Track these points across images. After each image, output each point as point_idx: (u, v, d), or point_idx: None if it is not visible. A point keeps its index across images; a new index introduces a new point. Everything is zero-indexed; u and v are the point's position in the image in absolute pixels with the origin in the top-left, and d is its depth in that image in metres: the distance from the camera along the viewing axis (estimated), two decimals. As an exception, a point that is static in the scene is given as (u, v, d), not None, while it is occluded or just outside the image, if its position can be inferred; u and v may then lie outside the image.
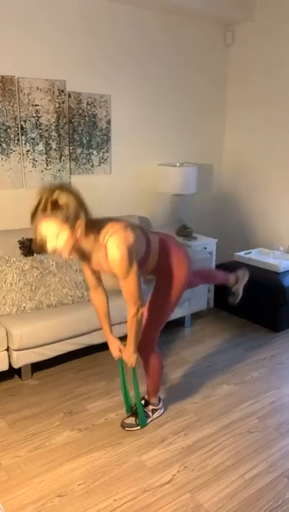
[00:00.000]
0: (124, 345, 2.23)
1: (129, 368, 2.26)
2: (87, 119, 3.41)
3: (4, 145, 3.08)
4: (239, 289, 2.91)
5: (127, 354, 2.21)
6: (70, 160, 3.40)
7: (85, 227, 1.83)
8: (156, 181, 3.84)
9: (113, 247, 1.86)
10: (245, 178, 4.24)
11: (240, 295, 2.93)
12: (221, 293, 3.95)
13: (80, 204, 1.81)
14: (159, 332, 2.29)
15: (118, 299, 2.44)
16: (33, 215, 1.77)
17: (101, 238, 1.89)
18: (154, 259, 2.15)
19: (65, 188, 1.79)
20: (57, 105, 3.24)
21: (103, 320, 2.27)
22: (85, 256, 2.05)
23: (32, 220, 1.78)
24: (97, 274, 2.17)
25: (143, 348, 2.27)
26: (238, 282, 2.90)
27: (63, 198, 1.75)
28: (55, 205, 1.74)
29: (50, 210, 1.73)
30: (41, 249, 1.85)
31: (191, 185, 3.75)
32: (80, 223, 1.80)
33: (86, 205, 1.85)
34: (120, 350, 2.27)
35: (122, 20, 3.43)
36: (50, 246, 1.81)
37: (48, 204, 1.73)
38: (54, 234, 1.78)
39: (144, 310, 2.20)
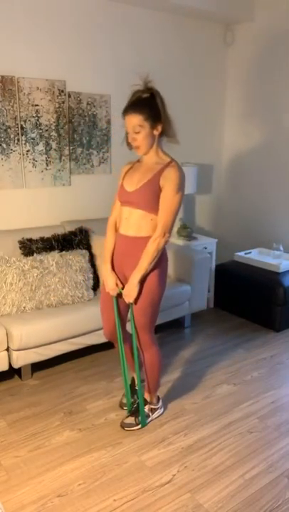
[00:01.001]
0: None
1: (128, 300, 2.15)
2: (87, 119, 3.41)
3: (4, 145, 3.08)
4: (147, 415, 2.41)
5: (130, 286, 2.11)
6: (70, 160, 3.40)
7: (161, 133, 2.08)
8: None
9: (175, 170, 2.06)
10: (245, 178, 4.24)
11: (137, 423, 2.36)
12: (221, 293, 3.96)
13: (164, 112, 2.07)
14: (153, 325, 2.25)
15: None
16: (124, 109, 2.06)
17: (168, 159, 2.12)
18: None
19: (157, 93, 2.07)
20: (57, 105, 3.24)
21: (109, 252, 2.26)
22: (131, 171, 2.22)
23: (122, 113, 2.07)
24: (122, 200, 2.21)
25: (142, 345, 2.26)
26: (152, 410, 2.44)
27: (152, 99, 2.05)
28: (145, 102, 2.04)
29: (140, 105, 2.03)
30: (128, 142, 2.15)
31: (191, 185, 3.75)
32: (159, 126, 2.06)
33: (170, 117, 2.10)
34: (117, 285, 2.21)
35: (122, 20, 3.43)
36: (131, 136, 2.07)
37: (139, 100, 2.05)
38: (137, 126, 2.03)
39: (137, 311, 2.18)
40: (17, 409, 2.55)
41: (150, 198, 2.08)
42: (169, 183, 2.05)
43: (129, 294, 2.13)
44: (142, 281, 2.14)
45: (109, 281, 2.23)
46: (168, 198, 2.06)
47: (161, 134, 2.11)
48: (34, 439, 2.30)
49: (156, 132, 2.08)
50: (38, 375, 2.88)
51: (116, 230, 2.27)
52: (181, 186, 2.07)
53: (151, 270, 2.13)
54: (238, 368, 3.00)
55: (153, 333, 2.29)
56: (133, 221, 2.14)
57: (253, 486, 2.01)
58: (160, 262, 2.16)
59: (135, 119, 2.03)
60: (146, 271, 2.09)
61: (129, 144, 2.16)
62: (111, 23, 3.38)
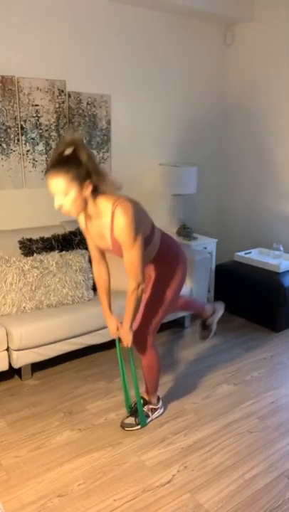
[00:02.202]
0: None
1: (126, 347, 2.21)
2: (87, 119, 3.41)
3: (4, 145, 3.08)
4: (213, 322, 2.74)
5: (123, 332, 2.17)
6: (70, 160, 3.39)
7: (94, 190, 1.84)
8: (156, 181, 3.84)
9: (121, 214, 1.86)
10: (245, 178, 4.24)
11: (214, 331, 2.73)
12: (221, 293, 3.95)
13: (92, 164, 1.81)
14: (155, 330, 2.28)
15: (118, 299, 2.44)
16: (47, 170, 1.81)
17: (110, 205, 1.89)
18: (154, 247, 2.14)
19: (80, 145, 1.80)
20: (57, 105, 3.24)
21: (103, 296, 2.25)
22: (88, 230, 2.07)
23: (45, 174, 1.82)
24: (100, 249, 2.17)
25: (141, 346, 2.27)
26: (214, 314, 2.73)
27: (75, 155, 1.77)
28: (66, 161, 1.76)
29: (60, 165, 1.76)
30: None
31: (191, 185, 3.75)
32: (89, 184, 1.81)
33: (99, 167, 1.86)
34: (118, 329, 2.23)
35: (123, 20, 3.43)
36: (57, 203, 1.83)
37: (59, 160, 1.77)
38: (62, 191, 1.79)
39: (140, 311, 2.22)
40: (17, 409, 2.55)
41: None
42: (121, 236, 1.90)
43: (125, 339, 2.19)
44: (165, 275, 2.18)
45: (110, 326, 2.27)
46: (128, 251, 1.94)
47: (95, 188, 1.86)
48: (34, 439, 2.30)
49: (86, 191, 1.83)
50: (38, 375, 2.88)
51: (98, 261, 2.20)
52: (134, 230, 1.88)
53: (171, 281, 2.18)
54: (238, 368, 3.00)
55: (154, 336, 2.30)
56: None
57: (253, 486, 2.01)
58: (181, 268, 2.19)
59: (59, 182, 1.78)
60: (135, 317, 2.13)
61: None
62: (111, 23, 3.38)
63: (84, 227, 2.12)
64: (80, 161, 1.77)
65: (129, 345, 2.20)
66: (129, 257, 1.95)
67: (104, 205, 1.90)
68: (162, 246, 2.17)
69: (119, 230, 1.89)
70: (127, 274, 2.01)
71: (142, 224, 1.94)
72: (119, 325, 2.23)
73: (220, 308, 2.78)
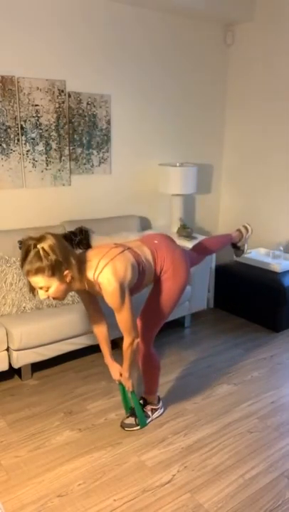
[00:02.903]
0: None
1: (128, 390, 2.33)
2: (87, 119, 3.41)
3: (4, 145, 3.08)
4: (244, 243, 2.90)
5: (124, 380, 2.28)
6: (70, 160, 3.40)
7: (73, 273, 1.87)
8: (156, 181, 3.84)
9: (104, 282, 1.91)
10: (245, 178, 4.24)
11: (246, 249, 2.95)
12: (221, 293, 3.95)
13: (65, 253, 1.84)
14: (155, 333, 2.29)
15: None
16: (22, 265, 1.83)
17: (91, 276, 1.93)
18: (150, 275, 2.14)
19: (47, 238, 1.82)
20: (57, 105, 3.24)
21: (103, 346, 2.32)
22: (82, 291, 2.14)
23: (21, 268, 1.84)
24: (94, 304, 2.23)
25: (141, 348, 2.28)
26: (243, 237, 2.87)
27: (46, 250, 1.79)
28: (40, 258, 1.78)
29: (35, 263, 1.78)
30: (36, 293, 1.95)
31: (191, 185, 3.75)
32: (68, 272, 1.86)
33: (72, 251, 1.90)
34: (121, 375, 2.30)
35: (123, 20, 3.43)
36: (42, 296, 1.89)
37: (32, 257, 1.79)
38: (44, 286, 1.85)
39: (141, 315, 2.24)
40: (17, 409, 2.55)
41: None
42: (110, 301, 1.95)
43: (126, 385, 2.30)
44: (166, 285, 2.17)
45: (112, 372, 2.34)
46: (118, 315, 2.00)
47: (77, 271, 1.90)
48: (34, 439, 2.30)
49: (67, 279, 1.86)
50: (38, 375, 2.88)
51: (94, 315, 2.26)
52: (119, 295, 1.91)
53: (171, 291, 2.18)
54: (238, 368, 3.00)
55: (153, 342, 2.32)
56: None
57: (253, 486, 2.01)
58: (184, 271, 2.18)
59: (40, 281, 1.82)
60: (132, 367, 2.22)
61: (34, 292, 1.95)
62: (111, 23, 3.38)
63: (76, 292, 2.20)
64: (51, 255, 1.79)
65: (131, 389, 2.30)
66: (121, 318, 2.01)
67: (88, 278, 1.95)
68: (157, 266, 2.15)
69: (106, 297, 1.95)
70: (121, 331, 2.08)
71: (126, 281, 1.96)
72: (121, 370, 2.29)
73: (246, 228, 2.89)
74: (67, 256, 1.85)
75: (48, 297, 1.90)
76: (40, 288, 1.86)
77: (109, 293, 1.91)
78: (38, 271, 1.80)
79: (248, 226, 2.87)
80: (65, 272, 1.85)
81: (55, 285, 1.85)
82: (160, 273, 2.16)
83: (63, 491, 1.98)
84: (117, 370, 2.32)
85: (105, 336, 2.29)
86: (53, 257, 1.79)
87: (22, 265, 1.83)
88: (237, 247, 2.91)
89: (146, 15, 3.54)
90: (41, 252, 1.79)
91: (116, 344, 3.21)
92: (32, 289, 1.94)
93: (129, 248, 2.07)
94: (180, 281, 2.18)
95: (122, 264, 1.95)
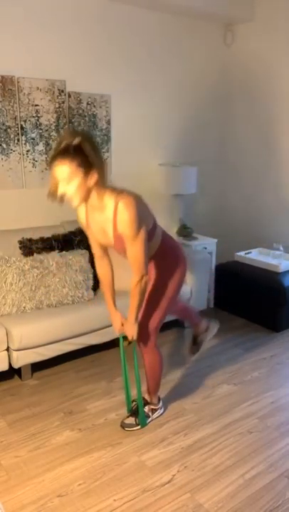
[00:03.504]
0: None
1: (129, 344, 2.23)
2: (87, 119, 3.41)
3: (4, 145, 3.08)
4: (204, 340, 2.72)
5: (128, 325, 2.17)
6: (70, 160, 3.39)
7: (98, 181, 1.85)
8: (157, 181, 3.84)
9: (125, 208, 1.88)
10: (245, 178, 4.24)
11: (201, 349, 2.72)
12: (221, 293, 3.96)
13: (98, 155, 1.84)
14: (158, 328, 2.28)
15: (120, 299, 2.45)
16: (51, 158, 1.81)
17: (113, 197, 1.91)
18: (156, 243, 2.15)
19: (87, 136, 1.83)
20: (57, 105, 3.24)
21: (107, 291, 2.25)
22: (89, 226, 2.08)
23: (49, 161, 1.83)
24: (102, 246, 2.18)
25: (144, 345, 2.28)
26: (207, 332, 2.71)
27: (82, 145, 1.78)
28: (73, 150, 1.78)
29: (67, 153, 1.77)
30: (53, 195, 1.88)
31: (191, 185, 3.75)
32: (94, 173, 1.83)
33: (104, 160, 1.88)
34: (122, 324, 2.23)
35: (123, 20, 3.43)
36: (60, 190, 1.84)
37: (66, 147, 1.78)
38: (66, 178, 1.80)
39: (142, 309, 2.22)
40: (17, 409, 2.55)
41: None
42: (124, 229, 1.91)
43: (129, 332, 2.19)
44: (166, 272, 2.18)
45: (114, 322, 2.26)
46: (131, 245, 1.95)
47: (100, 179, 1.87)
48: (34, 439, 2.30)
49: (91, 181, 1.84)
50: (38, 375, 2.88)
51: (101, 256, 2.21)
52: (138, 224, 1.90)
53: (171, 279, 2.18)
54: (238, 368, 3.00)
55: (157, 336, 2.30)
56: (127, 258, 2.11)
57: (253, 486, 2.01)
58: (180, 265, 2.19)
59: (64, 169, 1.79)
60: (139, 309, 2.13)
61: (53, 195, 1.89)
62: (111, 23, 3.38)
63: (84, 223, 2.13)
64: (86, 151, 1.79)
65: (134, 338, 2.19)
66: (133, 250, 1.96)
67: (107, 198, 1.92)
68: (163, 243, 2.19)
69: (122, 223, 1.90)
70: (130, 267, 2.02)
71: (144, 218, 1.97)
72: (123, 320, 2.23)
73: (214, 328, 2.74)
74: (99, 160, 1.84)
75: (65, 196, 1.85)
76: (62, 180, 1.82)
77: (126, 217, 1.88)
78: (67, 159, 1.77)
79: (215, 328, 2.74)
80: (92, 172, 1.82)
81: (77, 181, 1.81)
82: (163, 253, 2.18)
83: (63, 491, 1.98)
84: (119, 320, 2.23)
85: (110, 281, 2.23)
86: (86, 152, 1.79)
87: (52, 156, 1.81)
88: (195, 342, 2.73)
89: (146, 15, 3.54)
90: (77, 144, 1.78)
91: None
92: (52, 192, 1.88)
93: None
94: (179, 272, 2.22)
95: (142, 202, 1.99)
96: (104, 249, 2.20)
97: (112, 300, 2.26)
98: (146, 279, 2.04)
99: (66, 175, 1.80)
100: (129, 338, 2.20)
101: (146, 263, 2.01)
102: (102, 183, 1.88)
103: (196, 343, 2.73)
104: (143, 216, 1.95)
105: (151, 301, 2.24)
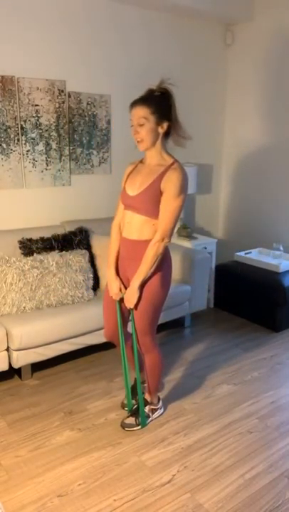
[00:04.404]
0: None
1: (128, 306, 2.15)
2: (87, 119, 3.41)
3: (4, 145, 3.08)
4: (148, 417, 2.41)
5: (131, 291, 2.10)
6: (70, 160, 3.40)
7: (166, 135, 2.06)
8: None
9: (178, 171, 2.03)
10: (245, 178, 4.24)
11: (139, 426, 2.36)
12: (221, 293, 3.96)
13: (173, 111, 2.06)
14: (155, 326, 2.25)
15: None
16: (132, 102, 2.04)
17: (171, 160, 2.09)
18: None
19: (168, 92, 2.07)
20: (57, 105, 3.24)
21: (113, 256, 2.24)
22: (135, 170, 2.19)
23: (130, 105, 2.05)
24: (125, 205, 2.18)
25: (143, 346, 2.26)
26: (155, 411, 2.45)
27: (161, 97, 2.03)
28: (155, 98, 2.02)
29: (149, 99, 2.02)
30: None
31: (191, 185, 3.75)
32: (165, 124, 2.04)
33: (178, 119, 2.08)
34: (120, 290, 2.20)
35: (122, 20, 3.43)
36: (134, 130, 2.04)
37: (149, 95, 2.04)
38: (142, 118, 2.00)
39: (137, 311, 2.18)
40: (17, 409, 2.55)
41: (152, 204, 2.04)
42: (170, 186, 2.00)
43: (129, 299, 2.12)
44: (144, 285, 2.12)
45: (113, 286, 2.23)
46: (168, 202, 2.01)
47: (167, 135, 2.08)
48: (34, 439, 2.30)
49: (161, 130, 2.04)
50: (38, 375, 2.88)
51: (119, 223, 2.25)
52: (182, 189, 2.02)
53: (153, 274, 2.12)
54: (238, 368, 3.00)
55: (154, 335, 2.28)
56: (135, 225, 2.11)
57: (253, 486, 2.01)
58: (162, 265, 2.13)
59: (141, 111, 2.00)
60: (146, 275, 2.08)
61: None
62: (111, 23, 3.38)
63: (125, 178, 2.23)
64: (165, 102, 2.03)
65: (132, 307, 2.13)
66: (169, 206, 2.02)
67: (166, 156, 2.10)
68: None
69: (171, 179, 2.01)
70: (158, 226, 2.05)
71: (187, 191, 2.07)
72: (122, 287, 2.21)
73: (162, 410, 2.49)
74: (175, 116, 2.06)
75: (138, 135, 2.03)
76: (138, 120, 2.00)
77: (178, 176, 2.01)
78: (145, 104, 2.00)
79: (158, 412, 2.46)
80: (164, 121, 2.03)
81: (149, 124, 2.01)
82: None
83: (63, 491, 1.98)
84: (118, 286, 2.20)
85: (118, 247, 2.23)
86: (162, 103, 2.03)
87: (136, 99, 2.04)
88: (136, 414, 2.39)
89: (145, 15, 3.54)
90: (158, 95, 2.03)
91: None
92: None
93: None
94: (167, 272, 2.18)
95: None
96: (123, 222, 2.21)
97: (115, 266, 2.24)
98: (166, 244, 2.07)
99: (142, 116, 2.00)
100: (128, 305, 2.13)
101: (173, 229, 2.07)
102: (173, 136, 2.08)
103: (134, 414, 2.40)
104: (186, 190, 2.06)
105: (141, 304, 2.17)
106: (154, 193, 2.03)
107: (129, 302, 2.13)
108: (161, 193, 2.02)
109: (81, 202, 3.54)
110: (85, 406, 2.58)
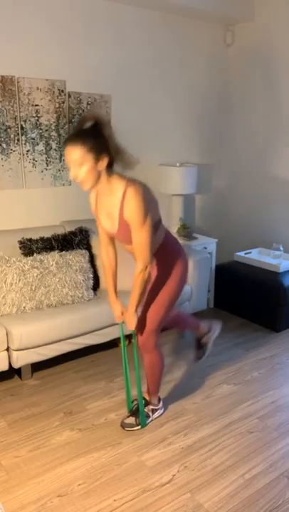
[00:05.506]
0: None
1: (130, 329, 2.20)
2: (87, 119, 3.41)
3: (4, 145, 3.08)
4: (209, 342, 2.66)
5: (128, 316, 2.17)
6: (70, 160, 3.39)
7: (109, 166, 1.89)
8: (156, 181, 3.84)
9: (133, 195, 1.90)
10: (245, 177, 4.24)
11: (208, 351, 2.63)
12: (221, 293, 3.96)
13: (110, 140, 1.88)
14: (159, 328, 2.27)
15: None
16: (64, 141, 1.87)
17: (123, 184, 1.94)
18: (159, 238, 2.15)
19: (101, 120, 1.88)
20: (57, 105, 3.24)
21: (110, 279, 2.26)
22: (99, 203, 2.09)
23: (64, 144, 1.88)
24: (108, 232, 2.18)
25: (145, 346, 2.27)
26: (210, 333, 2.66)
27: (95, 129, 1.85)
28: (85, 133, 1.84)
29: (79, 136, 1.83)
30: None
31: (191, 185, 3.75)
32: (105, 158, 1.86)
33: (118, 144, 1.91)
34: (122, 313, 2.24)
35: (122, 20, 3.43)
36: (72, 174, 1.88)
37: (79, 131, 1.85)
38: (77, 161, 1.84)
39: (144, 309, 2.21)
40: (17, 409, 2.55)
41: (131, 236, 2.03)
42: (132, 216, 1.92)
43: (129, 323, 2.19)
44: (163, 282, 2.17)
45: (115, 310, 2.27)
46: (137, 233, 1.96)
47: (111, 165, 1.92)
48: (34, 439, 2.30)
49: (101, 165, 1.87)
50: (38, 375, 2.88)
51: (107, 244, 2.23)
52: (145, 212, 1.92)
53: (171, 276, 2.18)
54: (238, 368, 3.00)
55: (158, 335, 2.29)
56: (130, 248, 2.13)
57: (253, 486, 2.01)
58: (180, 263, 2.19)
59: (76, 152, 1.82)
60: (140, 301, 2.14)
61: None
62: (111, 23, 3.38)
63: (94, 208, 2.15)
64: (97, 135, 1.84)
65: (133, 328, 2.19)
66: (138, 238, 1.97)
67: (117, 183, 1.95)
68: (166, 240, 2.19)
69: (129, 209, 1.92)
70: (135, 256, 2.03)
71: (151, 208, 1.98)
72: (124, 309, 2.24)
73: (216, 327, 2.70)
74: (113, 146, 1.88)
75: (76, 179, 1.89)
76: (74, 164, 1.85)
77: (134, 203, 1.90)
78: (79, 143, 1.81)
79: (217, 328, 2.68)
80: (103, 156, 1.85)
81: (88, 165, 1.84)
82: (164, 250, 2.18)
83: (63, 491, 1.98)
84: (120, 309, 2.25)
85: (113, 268, 2.25)
86: (98, 136, 1.84)
87: (68, 137, 1.86)
88: (200, 345, 2.68)
89: (145, 15, 3.54)
90: (90, 128, 1.85)
91: (115, 345, 3.21)
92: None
93: None
94: (180, 271, 2.21)
95: (151, 193, 2.00)
96: (111, 238, 2.22)
97: (114, 288, 2.27)
98: (149, 270, 2.05)
99: (77, 158, 1.83)
100: (129, 328, 2.20)
101: (151, 253, 2.02)
102: (113, 169, 1.92)
103: (200, 347, 2.70)
104: (150, 206, 1.97)
105: (152, 300, 2.23)
106: (126, 227, 2.00)
107: (130, 325, 2.19)
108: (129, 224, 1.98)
109: (81, 202, 3.54)
110: (85, 406, 2.58)
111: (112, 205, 1.99)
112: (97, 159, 1.84)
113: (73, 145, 1.82)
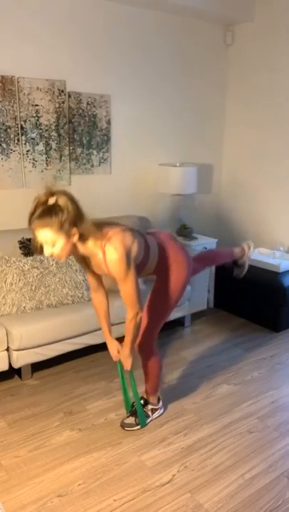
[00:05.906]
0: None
1: (126, 371, 2.27)
2: (87, 119, 3.41)
3: (4, 145, 3.08)
4: (246, 261, 2.81)
5: (123, 358, 2.22)
6: (70, 160, 3.40)
7: (82, 233, 1.84)
8: (156, 181, 3.84)
9: (111, 250, 1.88)
10: (245, 177, 4.24)
11: (246, 268, 2.82)
12: (221, 293, 3.95)
13: (76, 211, 1.82)
14: (157, 331, 2.30)
15: (116, 300, 2.44)
16: (30, 219, 1.79)
17: (99, 244, 1.91)
18: (153, 262, 2.15)
19: (62, 194, 1.80)
20: (57, 105, 3.24)
21: (103, 321, 2.28)
22: (84, 259, 2.10)
23: (29, 224, 1.80)
24: (97, 276, 2.19)
25: (142, 348, 2.28)
26: (244, 253, 2.78)
27: (59, 205, 1.77)
28: (51, 212, 1.75)
29: (45, 216, 1.75)
30: (40, 252, 1.88)
31: (191, 185, 3.75)
32: (75, 231, 1.82)
33: (82, 210, 1.86)
34: (119, 352, 2.28)
35: (122, 20, 3.43)
36: (46, 252, 1.84)
37: (43, 210, 1.76)
38: (50, 241, 1.80)
39: (144, 312, 2.22)
40: (17, 409, 2.55)
41: None
42: (115, 271, 1.92)
43: (125, 364, 2.23)
44: (168, 281, 2.19)
45: (110, 350, 2.31)
46: (123, 284, 1.96)
47: (82, 234, 1.86)
48: (34, 439, 2.30)
49: (74, 238, 1.83)
50: (38, 375, 2.88)
51: (96, 288, 2.22)
52: (126, 264, 1.90)
53: (171, 283, 2.18)
54: (238, 368, 3.00)
55: (156, 337, 2.31)
56: None
57: (253, 486, 2.01)
58: (181, 280, 2.20)
59: (46, 234, 1.77)
60: (134, 343, 2.17)
61: (39, 252, 1.89)
62: (111, 23, 3.38)
63: (77, 258, 2.16)
64: (63, 211, 1.76)
65: (129, 369, 2.24)
66: (124, 289, 1.97)
67: (93, 245, 1.91)
68: (162, 257, 2.17)
69: (111, 265, 1.91)
70: (125, 304, 2.04)
71: (133, 254, 1.96)
72: (119, 348, 2.27)
73: (249, 244, 2.80)
74: (79, 215, 1.83)
75: (52, 255, 1.85)
76: (46, 243, 1.81)
77: (114, 260, 1.88)
78: (47, 224, 1.75)
79: (250, 243, 2.79)
80: (73, 230, 1.81)
81: (61, 242, 1.80)
82: (163, 266, 2.17)
83: (63, 491, 1.98)
84: (116, 348, 2.29)
85: (105, 309, 2.26)
86: (64, 212, 1.76)
87: (30, 218, 1.78)
88: (238, 265, 2.83)
89: (146, 15, 3.54)
90: (53, 206, 1.76)
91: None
92: (36, 248, 1.88)
93: (138, 231, 2.11)
94: (182, 277, 2.20)
95: (130, 237, 1.95)
96: (99, 279, 2.22)
97: (108, 329, 2.29)
98: (141, 316, 2.07)
99: (50, 238, 1.78)
100: (125, 368, 2.25)
101: (140, 299, 2.02)
102: (86, 232, 1.86)
103: (239, 266, 2.83)
104: (131, 251, 1.94)
105: (153, 311, 2.24)
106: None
107: (126, 366, 2.24)
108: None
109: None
110: (84, 406, 2.58)
111: (97, 262, 1.98)
112: (68, 235, 1.80)
113: (42, 227, 1.76)
